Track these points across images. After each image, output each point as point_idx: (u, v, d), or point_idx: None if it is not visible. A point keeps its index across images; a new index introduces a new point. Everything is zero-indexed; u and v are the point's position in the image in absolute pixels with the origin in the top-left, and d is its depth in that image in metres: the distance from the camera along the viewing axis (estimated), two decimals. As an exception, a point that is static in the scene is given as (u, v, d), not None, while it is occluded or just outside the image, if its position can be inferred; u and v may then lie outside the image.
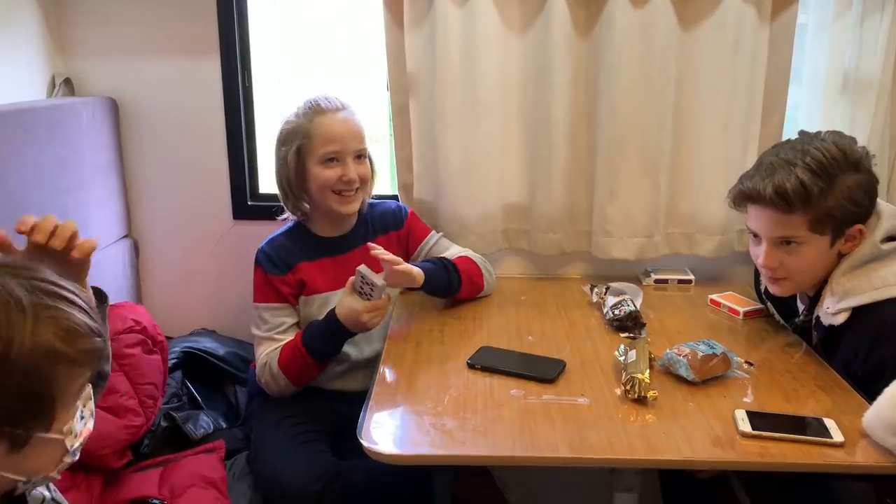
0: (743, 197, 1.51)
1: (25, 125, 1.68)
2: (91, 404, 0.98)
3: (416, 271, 1.69)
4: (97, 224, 1.95)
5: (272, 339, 1.71)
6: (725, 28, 1.84)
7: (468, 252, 1.90)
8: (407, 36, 1.89)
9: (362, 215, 1.85)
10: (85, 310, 0.90)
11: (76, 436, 0.93)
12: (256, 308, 1.74)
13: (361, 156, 1.74)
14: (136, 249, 2.16)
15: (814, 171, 1.39)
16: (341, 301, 1.62)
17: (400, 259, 1.64)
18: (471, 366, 1.49)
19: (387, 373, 1.50)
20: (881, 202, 1.47)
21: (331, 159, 1.70)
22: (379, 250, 1.62)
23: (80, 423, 0.94)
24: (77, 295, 0.90)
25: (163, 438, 1.71)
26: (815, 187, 1.39)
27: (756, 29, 1.84)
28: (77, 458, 0.96)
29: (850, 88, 1.89)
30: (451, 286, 1.79)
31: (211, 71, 2.03)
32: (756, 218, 1.50)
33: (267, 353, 1.70)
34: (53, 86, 1.98)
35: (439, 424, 1.29)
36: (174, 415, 1.74)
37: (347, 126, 1.71)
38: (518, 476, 2.02)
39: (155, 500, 1.52)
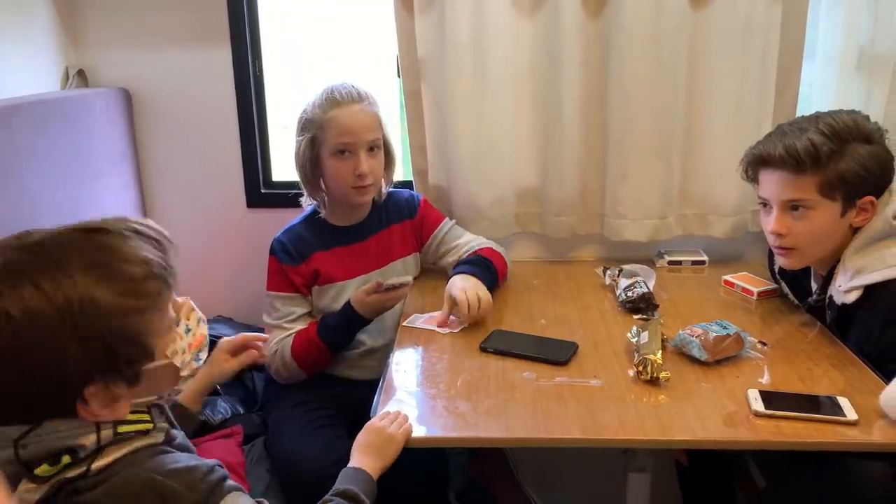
0: (755, 160, 1.51)
1: (40, 117, 1.69)
2: (195, 314, 1.06)
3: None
4: (113, 214, 1.96)
5: (281, 327, 1.73)
6: (737, 5, 1.81)
7: (488, 242, 1.90)
8: (417, 21, 1.88)
9: (376, 204, 1.86)
10: (142, 243, 1.00)
11: (183, 352, 1.01)
12: (268, 296, 1.76)
13: (374, 147, 1.73)
14: (151, 239, 2.17)
15: (825, 134, 1.40)
16: (356, 293, 1.66)
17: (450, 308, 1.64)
18: (483, 349, 1.50)
19: (400, 357, 1.51)
20: (896, 180, 1.46)
21: (342, 151, 1.70)
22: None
23: (188, 335, 1.02)
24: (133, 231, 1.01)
25: (182, 424, 1.74)
26: (826, 148, 1.39)
27: (768, 6, 1.81)
28: (201, 362, 1.06)
29: (866, 65, 1.85)
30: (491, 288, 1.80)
31: (222, 60, 2.04)
32: (767, 183, 1.50)
33: (277, 342, 1.72)
34: (67, 77, 2.00)
35: (452, 407, 1.30)
36: (192, 401, 1.76)
37: (360, 118, 1.70)
38: (532, 458, 2.04)
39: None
